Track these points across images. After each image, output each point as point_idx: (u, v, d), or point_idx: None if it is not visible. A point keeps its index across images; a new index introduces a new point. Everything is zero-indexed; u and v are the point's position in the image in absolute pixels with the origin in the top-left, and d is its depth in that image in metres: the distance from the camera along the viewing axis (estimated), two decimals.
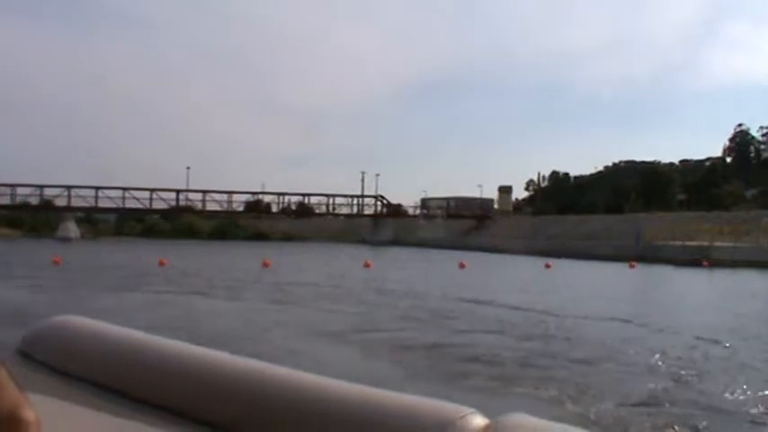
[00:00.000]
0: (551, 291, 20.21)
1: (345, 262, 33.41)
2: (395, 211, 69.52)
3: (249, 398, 1.28)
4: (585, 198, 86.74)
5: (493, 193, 79.77)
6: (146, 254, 34.54)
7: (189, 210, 70.60)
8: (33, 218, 67.79)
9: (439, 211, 66.33)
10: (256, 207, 73.61)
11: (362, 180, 72.80)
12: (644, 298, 20.06)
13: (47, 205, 64.22)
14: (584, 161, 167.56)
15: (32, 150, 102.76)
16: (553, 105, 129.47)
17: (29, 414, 0.79)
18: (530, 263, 34.89)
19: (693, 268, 32.28)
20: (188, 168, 71.71)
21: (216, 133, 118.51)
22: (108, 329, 1.67)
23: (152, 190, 65.70)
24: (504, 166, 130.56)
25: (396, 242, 61.86)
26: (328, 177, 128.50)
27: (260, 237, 71.31)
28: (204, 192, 68.90)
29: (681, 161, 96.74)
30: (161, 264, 26.43)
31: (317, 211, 72.09)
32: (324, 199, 70.61)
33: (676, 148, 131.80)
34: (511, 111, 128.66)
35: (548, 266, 31.00)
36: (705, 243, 38.05)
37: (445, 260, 36.35)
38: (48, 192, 63.37)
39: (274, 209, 72.71)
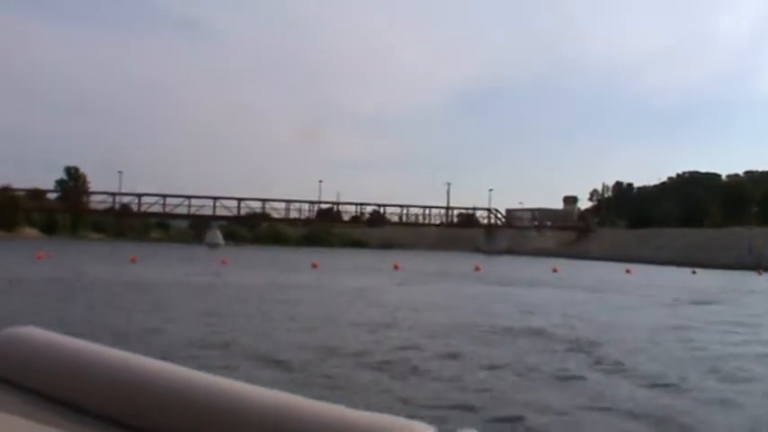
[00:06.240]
0: None
1: (533, 269, 38.85)
2: (468, 220, 74.84)
3: (204, 412, 1.28)
4: (651, 209, 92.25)
5: (554, 202, 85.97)
6: (340, 260, 40.13)
7: (266, 218, 76.11)
8: (117, 223, 75.65)
9: (548, 223, 72.44)
10: (329, 215, 79.90)
11: (448, 192, 79.70)
12: None
13: (125, 211, 73.23)
14: (643, 171, 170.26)
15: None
16: (612, 114, 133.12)
17: None
18: (672, 271, 40.40)
19: None
20: (320, 182, 79.62)
21: (274, 140, 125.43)
22: (62, 341, 1.61)
23: (215, 198, 71.47)
24: (562, 175, 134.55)
25: (509, 251, 65.55)
26: (388, 183, 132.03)
27: (357, 244, 75.51)
28: (264, 200, 74.41)
29: (746, 172, 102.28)
30: (395, 267, 32.64)
31: (407, 221, 76.70)
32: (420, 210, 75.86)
33: (737, 158, 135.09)
34: (568, 119, 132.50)
35: (694, 273, 38.02)
36: None
37: (600, 267, 42.48)
38: (119, 198, 72.40)
39: (346, 217, 78.15)
